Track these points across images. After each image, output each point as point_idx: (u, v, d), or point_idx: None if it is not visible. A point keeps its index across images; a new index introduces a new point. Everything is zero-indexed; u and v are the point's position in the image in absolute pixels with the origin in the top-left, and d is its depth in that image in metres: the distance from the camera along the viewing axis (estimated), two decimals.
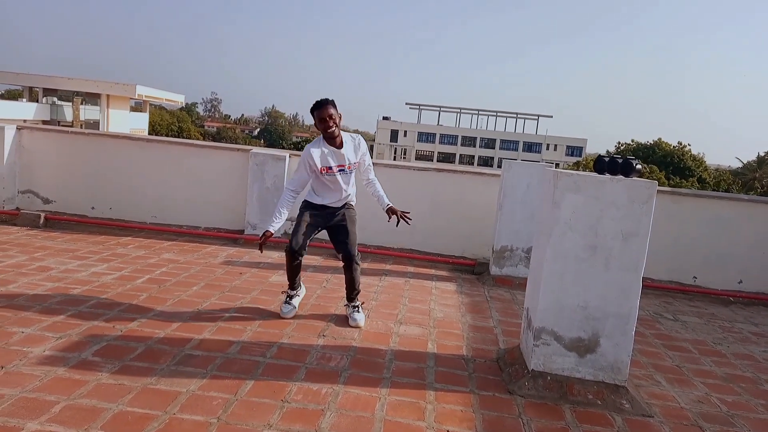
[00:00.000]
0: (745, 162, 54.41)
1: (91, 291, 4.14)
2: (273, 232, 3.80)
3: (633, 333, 3.11)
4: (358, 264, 3.98)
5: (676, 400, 3.26)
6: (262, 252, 3.83)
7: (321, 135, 3.85)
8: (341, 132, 3.84)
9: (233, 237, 6.29)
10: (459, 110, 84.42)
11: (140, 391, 2.72)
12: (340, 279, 4.97)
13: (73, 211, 6.55)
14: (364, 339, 3.70)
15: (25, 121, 26.29)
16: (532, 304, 3.31)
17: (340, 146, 3.84)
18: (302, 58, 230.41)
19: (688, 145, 49.27)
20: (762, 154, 53.13)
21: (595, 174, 3.14)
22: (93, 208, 6.57)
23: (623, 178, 3.08)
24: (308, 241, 3.90)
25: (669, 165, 46.54)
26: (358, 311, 3.99)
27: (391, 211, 3.97)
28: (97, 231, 6.19)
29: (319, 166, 3.80)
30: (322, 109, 3.75)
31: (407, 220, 3.94)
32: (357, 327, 3.89)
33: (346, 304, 4.09)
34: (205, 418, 2.54)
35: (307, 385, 2.96)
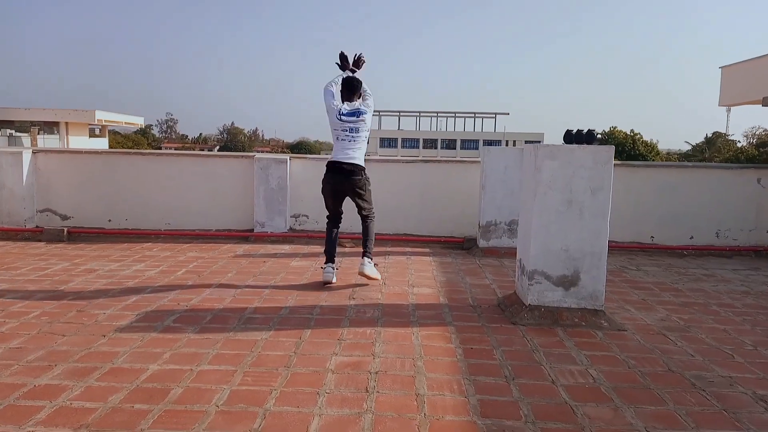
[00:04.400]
0: (694, 144, 57.22)
1: (142, 282, 4.75)
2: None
3: (605, 267, 3.92)
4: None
5: (643, 320, 4.08)
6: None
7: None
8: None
9: (244, 235, 6.92)
10: (418, 114, 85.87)
11: (225, 341, 3.39)
12: (353, 261, 5.67)
13: (91, 225, 7.08)
14: (387, 298, 4.42)
15: None
16: (524, 252, 4.10)
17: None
18: (260, 72, 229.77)
19: (639, 133, 51.76)
20: (710, 135, 55.99)
21: (566, 144, 3.95)
22: (110, 220, 7.11)
23: (588, 145, 3.89)
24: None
25: (622, 153, 48.74)
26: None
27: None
28: (118, 240, 6.74)
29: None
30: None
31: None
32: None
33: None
34: (285, 353, 3.22)
35: (354, 329, 3.67)
